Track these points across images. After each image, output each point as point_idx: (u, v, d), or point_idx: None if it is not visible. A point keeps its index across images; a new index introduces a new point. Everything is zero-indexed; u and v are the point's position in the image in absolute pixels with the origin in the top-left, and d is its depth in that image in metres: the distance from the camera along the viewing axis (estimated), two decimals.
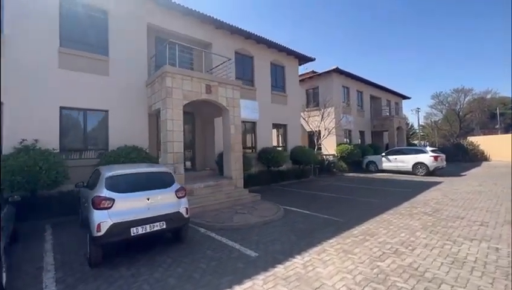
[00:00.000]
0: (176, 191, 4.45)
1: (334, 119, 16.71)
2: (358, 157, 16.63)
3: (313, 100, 18.65)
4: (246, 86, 11.57)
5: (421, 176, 13.72)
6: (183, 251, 4.37)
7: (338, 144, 16.95)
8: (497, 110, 36.28)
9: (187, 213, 4.50)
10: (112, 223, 3.71)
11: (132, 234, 3.84)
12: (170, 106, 7.18)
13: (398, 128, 21.32)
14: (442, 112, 40.36)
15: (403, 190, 9.60)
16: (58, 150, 6.81)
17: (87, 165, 7.06)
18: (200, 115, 10.76)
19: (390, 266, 3.58)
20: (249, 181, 10.20)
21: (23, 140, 6.29)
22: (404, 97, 27.19)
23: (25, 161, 5.67)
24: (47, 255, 4.31)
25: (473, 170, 15.99)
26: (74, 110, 7.53)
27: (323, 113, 16.50)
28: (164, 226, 4.15)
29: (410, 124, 45.28)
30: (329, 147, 17.18)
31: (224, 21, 10.50)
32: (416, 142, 36.64)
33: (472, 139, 24.66)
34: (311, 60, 14.89)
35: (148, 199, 4.08)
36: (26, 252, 4.46)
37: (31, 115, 6.65)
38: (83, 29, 7.76)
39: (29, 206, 6.03)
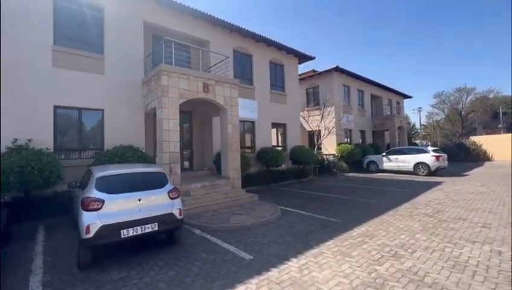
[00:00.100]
0: (169, 192, 4.34)
1: (334, 119, 16.56)
2: (358, 157, 16.48)
3: (313, 99, 18.49)
4: (244, 84, 11.45)
5: (423, 176, 13.55)
6: (177, 253, 4.25)
7: (338, 144, 16.80)
8: (500, 110, 36.00)
9: (180, 214, 4.38)
10: (101, 225, 3.60)
11: (122, 236, 3.73)
12: (166, 105, 7.07)
13: (399, 127, 21.13)
14: (444, 112, 40.15)
15: (403, 190, 9.45)
16: (52, 150, 6.72)
17: (82, 165, 6.94)
18: (197, 114, 10.65)
19: (389, 270, 3.45)
20: (248, 181, 10.10)
21: (16, 140, 6.19)
22: (406, 96, 26.98)
23: (17, 161, 5.57)
24: (37, 258, 4.20)
25: (475, 170, 15.80)
26: (69, 109, 7.42)
27: (323, 113, 16.34)
28: (156, 228, 4.04)
29: (411, 123, 45.12)
30: (329, 147, 17.03)
31: (222, 19, 10.38)
32: (418, 141, 36.37)
33: (474, 138, 24.42)
34: (311, 58, 14.75)
35: (139, 200, 3.97)
36: (17, 254, 4.36)
37: (24, 114, 6.55)
38: (78, 27, 7.65)
39: (22, 207, 5.95)
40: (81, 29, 7.70)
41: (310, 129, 17.23)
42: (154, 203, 4.13)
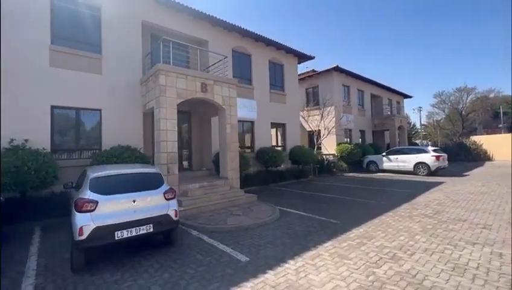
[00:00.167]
0: (165, 193, 4.28)
1: (334, 119, 16.49)
2: (358, 157, 16.40)
3: (312, 99, 18.42)
4: (243, 84, 11.39)
5: (423, 176, 13.48)
6: (172, 255, 4.20)
7: (338, 144, 16.72)
8: (501, 109, 35.86)
9: (176, 216, 4.33)
10: (94, 226, 3.55)
11: (116, 238, 3.67)
12: (164, 105, 7.02)
13: (399, 127, 21.04)
14: (444, 111, 40.02)
15: (403, 191, 9.39)
16: (49, 150, 6.67)
17: (80, 166, 6.86)
18: (196, 114, 10.59)
19: (387, 273, 3.39)
20: (247, 181, 10.04)
21: (12, 140, 6.14)
22: (406, 96, 26.88)
23: (13, 162, 5.52)
24: (31, 259, 4.15)
25: (476, 170, 15.71)
26: (66, 109, 7.37)
27: (323, 112, 16.27)
28: (151, 230, 3.98)
29: (412, 123, 45.04)
30: (329, 147, 16.96)
31: (221, 18, 10.31)
32: (418, 141, 36.25)
33: (475, 138, 24.31)
34: (311, 58, 14.67)
35: (134, 201, 3.91)
36: (11, 255, 4.31)
37: (21, 114, 6.49)
38: (75, 26, 7.59)
39: (19, 207, 5.89)
40: (79, 28, 7.64)
41: (310, 129, 17.16)
42: (150, 204, 4.07)
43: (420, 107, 37.50)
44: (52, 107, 7.06)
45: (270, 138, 12.89)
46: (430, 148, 14.89)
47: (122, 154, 6.91)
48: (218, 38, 10.81)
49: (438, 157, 13.53)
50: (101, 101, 7.74)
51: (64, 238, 5.07)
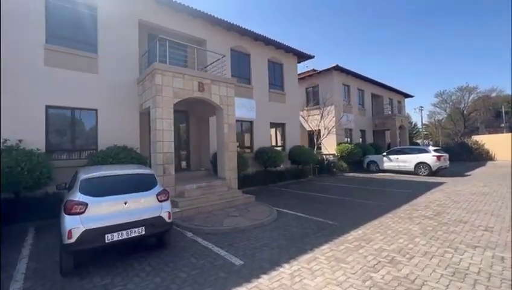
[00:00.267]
0: (158, 195, 4.18)
1: (334, 118, 16.37)
2: (359, 156, 16.26)
3: (312, 99, 18.29)
4: (242, 84, 11.29)
5: (424, 176, 13.33)
6: (165, 258, 4.10)
7: (338, 144, 16.59)
8: (503, 109, 35.59)
9: (169, 218, 4.23)
10: (84, 229, 3.45)
11: (107, 241, 3.58)
12: (160, 104, 6.93)
13: (400, 127, 20.88)
14: (446, 111, 39.73)
15: (403, 191, 9.26)
16: (43, 150, 6.59)
17: (75, 166, 6.74)
18: (194, 114, 10.49)
19: (385, 278, 3.28)
20: (245, 182, 9.94)
21: (6, 140, 6.06)
22: (407, 95, 26.68)
23: (6, 162, 5.44)
24: (21, 262, 4.07)
25: (478, 170, 15.55)
26: (61, 109, 7.29)
27: (323, 112, 16.14)
28: (143, 232, 3.89)
29: (413, 123, 44.80)
30: (329, 147, 16.83)
31: (219, 17, 10.21)
32: (419, 141, 36.02)
33: (477, 138, 24.10)
34: (310, 57, 14.55)
35: (125, 203, 3.81)
36: (2, 257, 4.22)
37: (15, 114, 6.41)
38: (71, 25, 7.51)
39: (12, 208, 5.81)
40: (75, 27, 7.56)
41: (310, 129, 17.03)
42: (142, 206, 3.97)
43: (421, 107, 37.24)
44: (47, 107, 6.98)
45: (269, 138, 12.78)
46: (431, 148, 14.74)
47: (118, 155, 6.82)
48: (216, 38, 10.71)
49: (439, 157, 13.39)
50: (97, 101, 7.65)
51: (57, 239, 4.98)
